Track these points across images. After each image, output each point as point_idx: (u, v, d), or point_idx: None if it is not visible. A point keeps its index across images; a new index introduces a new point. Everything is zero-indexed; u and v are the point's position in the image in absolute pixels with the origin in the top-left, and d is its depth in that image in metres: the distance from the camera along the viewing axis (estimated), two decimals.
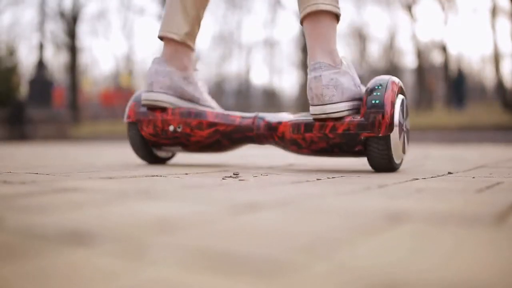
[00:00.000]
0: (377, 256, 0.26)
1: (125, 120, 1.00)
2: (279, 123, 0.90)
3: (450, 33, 18.95)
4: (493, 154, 1.48)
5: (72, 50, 14.85)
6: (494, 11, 12.96)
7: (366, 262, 0.25)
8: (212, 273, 0.23)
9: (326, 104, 0.80)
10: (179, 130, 0.95)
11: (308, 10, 0.82)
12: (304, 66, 13.12)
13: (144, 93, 0.96)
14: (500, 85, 11.50)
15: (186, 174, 0.79)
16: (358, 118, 0.81)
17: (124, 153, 1.75)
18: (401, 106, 0.82)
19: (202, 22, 1.01)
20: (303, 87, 12.63)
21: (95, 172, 0.81)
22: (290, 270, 0.24)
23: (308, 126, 0.84)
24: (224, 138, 0.94)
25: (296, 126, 0.85)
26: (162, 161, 1.07)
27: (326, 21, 0.83)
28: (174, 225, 0.34)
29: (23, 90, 6.07)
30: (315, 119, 0.83)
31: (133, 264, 0.25)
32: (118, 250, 0.27)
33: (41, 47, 6.22)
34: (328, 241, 0.30)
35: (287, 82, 33.81)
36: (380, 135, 0.79)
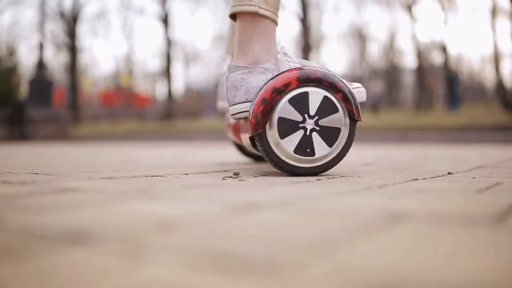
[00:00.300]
0: (377, 256, 0.26)
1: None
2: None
3: (450, 33, 18.99)
4: (493, 154, 1.48)
5: (72, 50, 14.85)
6: (494, 11, 12.97)
7: (366, 262, 0.25)
8: (212, 273, 0.23)
9: (230, 105, 0.79)
10: None
11: (230, 11, 0.82)
12: None
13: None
14: (500, 85, 11.50)
15: (186, 174, 0.79)
16: None
17: (124, 153, 1.75)
18: (290, 101, 0.74)
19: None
20: None
21: (95, 172, 0.81)
22: (290, 270, 0.24)
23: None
24: None
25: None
26: (262, 159, 1.13)
27: (244, 21, 0.80)
28: (174, 225, 0.34)
29: (23, 90, 6.07)
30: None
31: (132, 263, 0.25)
32: (118, 250, 0.27)
33: (41, 47, 6.23)
34: (328, 241, 0.30)
35: None
36: (251, 135, 0.75)
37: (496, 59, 12.71)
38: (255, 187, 0.59)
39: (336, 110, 0.75)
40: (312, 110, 0.74)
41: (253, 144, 0.79)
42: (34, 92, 5.67)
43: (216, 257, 0.26)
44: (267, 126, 0.74)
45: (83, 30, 21.46)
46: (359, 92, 0.81)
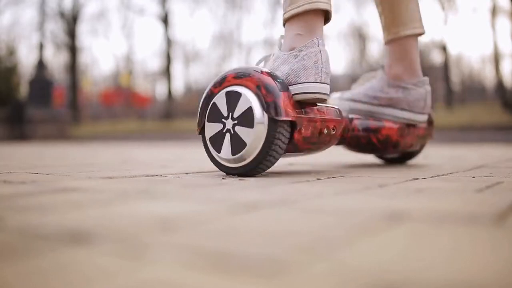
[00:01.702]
0: (377, 255, 0.26)
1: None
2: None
3: (450, 33, 18.95)
4: (493, 154, 1.48)
5: (72, 50, 14.86)
6: (494, 11, 12.96)
7: (365, 262, 0.25)
8: (212, 273, 0.23)
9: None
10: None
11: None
12: None
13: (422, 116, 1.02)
14: (500, 85, 11.50)
15: (186, 174, 0.79)
16: None
17: (124, 152, 1.75)
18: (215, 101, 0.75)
19: None
20: None
21: (95, 172, 0.81)
22: (290, 269, 0.24)
23: None
24: None
25: None
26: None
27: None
28: (174, 225, 0.35)
29: (23, 90, 6.08)
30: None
31: (133, 263, 0.25)
32: (118, 249, 0.27)
33: (41, 47, 6.23)
34: (328, 241, 0.30)
35: None
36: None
37: (496, 59, 12.71)
38: (255, 186, 0.59)
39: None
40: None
41: None
42: (34, 92, 5.68)
43: (217, 256, 0.26)
44: None
45: (83, 30, 21.44)
46: None
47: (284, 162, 1.12)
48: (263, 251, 0.27)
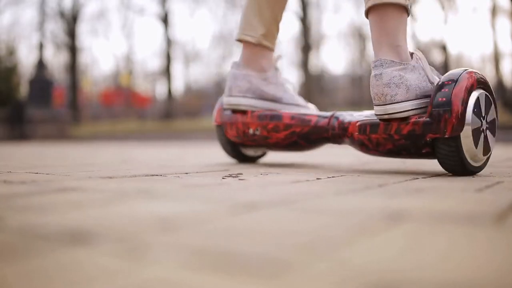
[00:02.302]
0: (377, 255, 0.26)
1: (213, 123, 1.07)
2: (349, 123, 0.87)
3: (450, 33, 18.94)
4: (493, 154, 1.48)
5: (72, 50, 14.86)
6: (494, 11, 12.97)
7: (365, 261, 0.25)
8: (212, 273, 0.23)
9: (388, 104, 0.75)
10: (257, 133, 0.98)
11: (372, 2, 0.78)
12: (303, 66, 13.12)
13: (225, 98, 1.01)
14: (500, 84, 11.51)
15: (186, 173, 0.79)
16: (424, 117, 0.75)
17: (124, 152, 1.75)
18: (476, 102, 0.74)
19: (281, 23, 1.02)
20: (303, 87, 12.63)
21: (95, 172, 0.81)
22: (290, 269, 0.24)
23: (373, 127, 0.80)
24: (301, 139, 0.95)
25: (362, 126, 0.82)
26: (252, 159, 1.12)
27: (393, 14, 0.77)
28: (174, 225, 0.35)
29: (23, 90, 6.08)
30: (380, 119, 0.79)
31: (133, 263, 0.25)
32: (119, 249, 0.28)
33: (41, 47, 6.23)
34: (328, 241, 0.30)
35: None
36: (447, 136, 0.72)
37: (496, 58, 12.71)
38: (256, 186, 0.59)
39: (491, 104, 0.79)
40: (484, 111, 0.76)
41: (430, 148, 0.76)
42: (34, 92, 5.68)
43: (217, 256, 0.26)
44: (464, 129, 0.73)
45: (83, 30, 21.45)
46: None
47: (284, 162, 1.12)
48: (263, 251, 0.27)
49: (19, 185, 0.60)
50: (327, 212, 0.40)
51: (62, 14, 14.98)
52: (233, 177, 0.73)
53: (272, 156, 1.43)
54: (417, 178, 0.70)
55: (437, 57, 14.93)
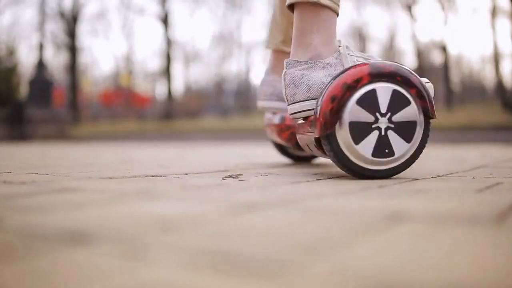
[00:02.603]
0: (377, 256, 0.26)
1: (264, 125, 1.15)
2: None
3: (450, 33, 18.97)
4: (493, 154, 1.48)
5: (72, 50, 14.86)
6: (494, 11, 12.97)
7: (365, 262, 0.25)
8: (211, 273, 0.23)
9: (289, 104, 0.73)
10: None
11: (288, 2, 0.74)
12: None
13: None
14: (500, 85, 11.51)
15: (186, 174, 0.79)
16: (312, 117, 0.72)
17: (124, 152, 1.75)
18: (367, 95, 0.67)
19: None
20: None
21: (95, 172, 0.81)
22: (290, 270, 0.24)
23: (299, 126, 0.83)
24: None
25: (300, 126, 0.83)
26: (303, 160, 1.17)
27: (306, 12, 0.73)
28: (174, 225, 0.34)
29: (23, 90, 6.08)
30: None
31: (133, 264, 0.25)
32: (118, 250, 0.27)
33: (41, 47, 6.23)
34: (328, 241, 0.30)
35: None
36: (317, 136, 0.68)
37: (496, 59, 12.71)
38: (255, 187, 0.59)
39: (408, 103, 0.69)
40: (383, 107, 0.68)
41: (319, 146, 0.74)
42: (34, 92, 5.68)
43: (216, 257, 0.26)
44: (337, 126, 0.68)
45: (83, 30, 21.45)
46: (429, 87, 0.74)
47: (284, 162, 1.12)
48: (263, 251, 0.27)
49: (19, 185, 0.60)
50: (327, 213, 0.40)
51: (62, 14, 14.99)
52: (233, 177, 0.73)
53: (272, 156, 1.43)
54: (417, 179, 0.70)
55: (437, 57, 14.95)
